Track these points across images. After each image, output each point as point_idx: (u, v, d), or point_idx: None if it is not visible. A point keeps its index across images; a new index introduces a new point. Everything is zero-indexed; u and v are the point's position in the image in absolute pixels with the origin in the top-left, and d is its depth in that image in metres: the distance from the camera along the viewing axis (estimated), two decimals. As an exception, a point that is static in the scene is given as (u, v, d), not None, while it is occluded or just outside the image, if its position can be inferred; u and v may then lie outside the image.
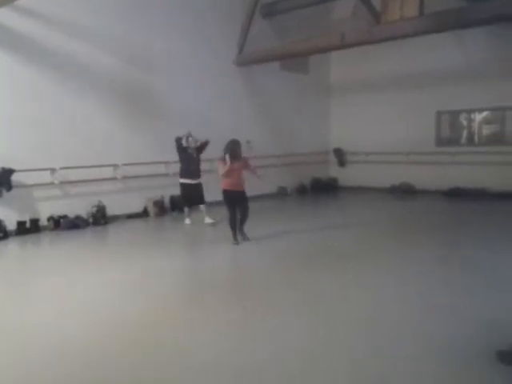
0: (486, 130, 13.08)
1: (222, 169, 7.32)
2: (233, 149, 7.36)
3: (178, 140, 8.99)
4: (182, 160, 9.14)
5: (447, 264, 6.24)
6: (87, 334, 4.04)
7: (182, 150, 9.04)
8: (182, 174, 9.13)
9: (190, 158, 9.04)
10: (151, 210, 10.34)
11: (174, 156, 10.48)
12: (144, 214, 10.33)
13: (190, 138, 8.93)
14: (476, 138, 13.15)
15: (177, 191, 10.62)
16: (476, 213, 10.35)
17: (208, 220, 9.12)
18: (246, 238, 7.57)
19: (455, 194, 12.52)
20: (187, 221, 9.34)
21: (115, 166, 9.81)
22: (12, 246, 7.94)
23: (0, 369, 3.48)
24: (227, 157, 7.20)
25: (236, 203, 7.47)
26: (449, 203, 11.90)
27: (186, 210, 9.47)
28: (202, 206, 9.22)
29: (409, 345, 3.69)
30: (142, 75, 10.30)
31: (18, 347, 3.83)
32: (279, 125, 13.76)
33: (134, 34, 10.08)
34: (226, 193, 7.49)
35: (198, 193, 9.10)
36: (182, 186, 9.16)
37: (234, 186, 7.41)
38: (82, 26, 9.24)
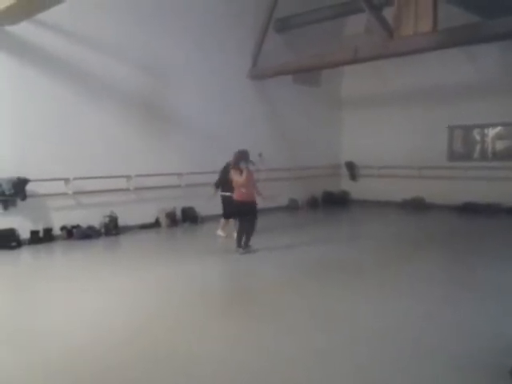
0: (499, 145, 13.00)
1: (238, 178, 7.46)
2: (239, 158, 7.55)
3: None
4: (226, 174, 8.71)
5: (459, 281, 6.16)
6: (100, 341, 4.06)
7: (226, 168, 8.74)
8: (224, 188, 8.76)
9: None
10: (163, 221, 10.38)
11: (187, 167, 10.60)
12: (156, 224, 10.38)
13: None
14: (489, 153, 13.06)
15: (189, 203, 10.79)
16: (489, 229, 10.25)
17: (220, 232, 9.14)
18: (251, 251, 7.57)
19: (468, 210, 12.42)
20: (220, 233, 9.11)
21: (128, 176, 9.88)
22: (25, 254, 8.00)
23: (14, 374, 3.50)
24: (243, 164, 7.37)
25: (246, 214, 7.54)
26: (461, 218, 11.81)
27: (222, 221, 9.13)
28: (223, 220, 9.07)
29: (417, 360, 3.65)
30: (156, 87, 10.42)
31: (31, 353, 3.84)
32: (291, 137, 13.79)
33: (151, 46, 10.21)
34: (238, 204, 7.57)
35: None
36: (224, 198, 8.78)
37: (247, 197, 7.51)
38: (97, 37, 9.40)
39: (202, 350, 3.88)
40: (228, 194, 8.65)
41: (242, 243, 7.59)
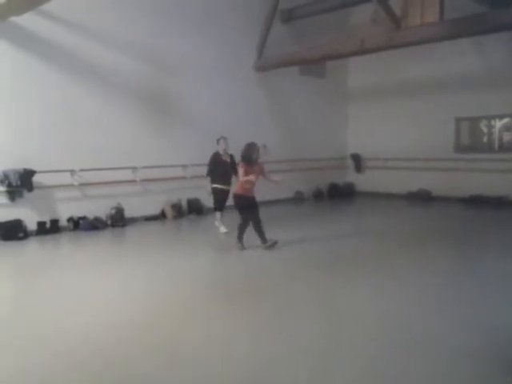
0: (507, 137, 12.91)
1: (242, 175, 7.18)
2: (249, 152, 7.22)
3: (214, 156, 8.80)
4: (215, 165, 8.74)
5: (466, 274, 6.15)
6: (109, 334, 4.09)
7: (215, 157, 8.76)
8: (214, 180, 8.69)
9: (223, 163, 8.69)
10: (169, 212, 10.42)
11: (192, 159, 10.61)
12: (161, 216, 10.42)
13: (222, 140, 8.69)
14: (496, 144, 12.98)
15: (194, 194, 10.81)
16: (496, 221, 10.18)
17: (223, 229, 8.79)
18: (273, 245, 7.26)
19: (474, 202, 12.36)
20: (222, 229, 8.75)
21: (134, 168, 9.91)
22: (32, 245, 8.07)
23: (21, 369, 3.54)
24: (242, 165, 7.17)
25: (244, 209, 7.29)
26: (468, 211, 11.74)
27: (218, 215, 8.90)
28: (218, 214, 8.92)
29: (420, 351, 3.65)
30: (161, 79, 10.42)
31: (39, 347, 3.88)
32: (297, 129, 13.76)
33: (156, 38, 10.23)
34: (235, 198, 7.37)
35: (228, 198, 8.70)
36: (215, 190, 8.74)
37: (245, 192, 7.22)
38: (104, 30, 9.42)
39: (209, 341, 3.90)
40: (219, 186, 8.64)
41: (242, 240, 7.32)
